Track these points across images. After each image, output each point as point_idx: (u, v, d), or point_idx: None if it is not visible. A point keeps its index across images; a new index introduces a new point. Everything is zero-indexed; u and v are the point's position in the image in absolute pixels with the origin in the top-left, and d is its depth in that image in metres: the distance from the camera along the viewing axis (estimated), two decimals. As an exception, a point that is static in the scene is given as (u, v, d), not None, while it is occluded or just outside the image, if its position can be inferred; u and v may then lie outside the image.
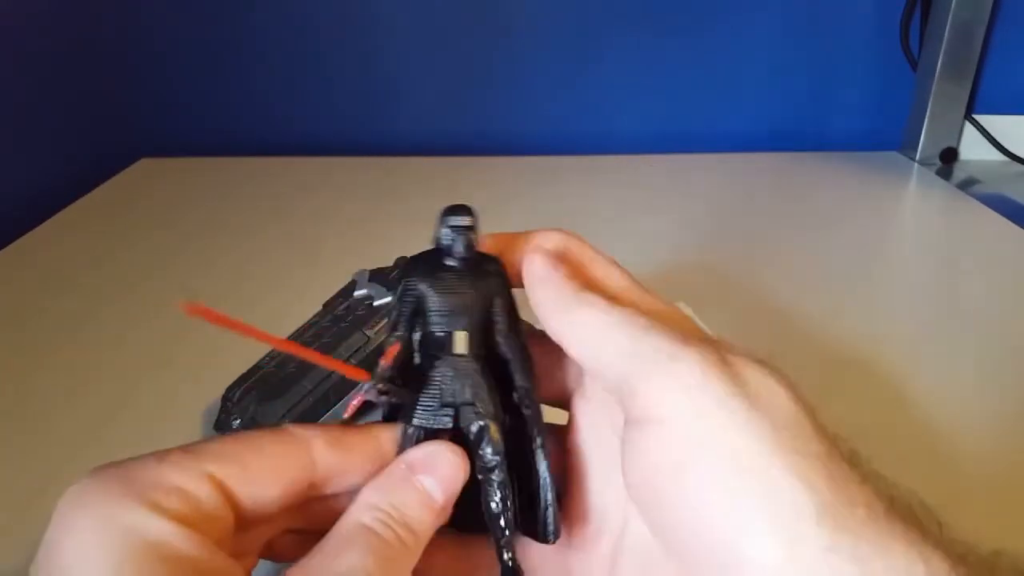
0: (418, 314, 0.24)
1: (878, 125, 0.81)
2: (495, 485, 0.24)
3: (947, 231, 0.65)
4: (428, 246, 0.25)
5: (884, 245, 0.62)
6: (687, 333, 0.21)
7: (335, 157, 0.77)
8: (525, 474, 0.25)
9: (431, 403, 0.24)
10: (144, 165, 0.75)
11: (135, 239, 0.60)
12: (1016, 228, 0.62)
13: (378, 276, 0.39)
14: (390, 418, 0.25)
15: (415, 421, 0.24)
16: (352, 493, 0.23)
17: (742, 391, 0.20)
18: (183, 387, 0.41)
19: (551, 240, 0.25)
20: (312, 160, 0.76)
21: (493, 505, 0.24)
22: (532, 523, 0.24)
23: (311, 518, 0.23)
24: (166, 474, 0.20)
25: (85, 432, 0.38)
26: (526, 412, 0.24)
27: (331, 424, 0.24)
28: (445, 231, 0.24)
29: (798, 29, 0.78)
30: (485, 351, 0.24)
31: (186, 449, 0.21)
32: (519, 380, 0.24)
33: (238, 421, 0.35)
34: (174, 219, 0.64)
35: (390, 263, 0.40)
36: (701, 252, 0.58)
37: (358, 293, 0.38)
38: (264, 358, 0.38)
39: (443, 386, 0.24)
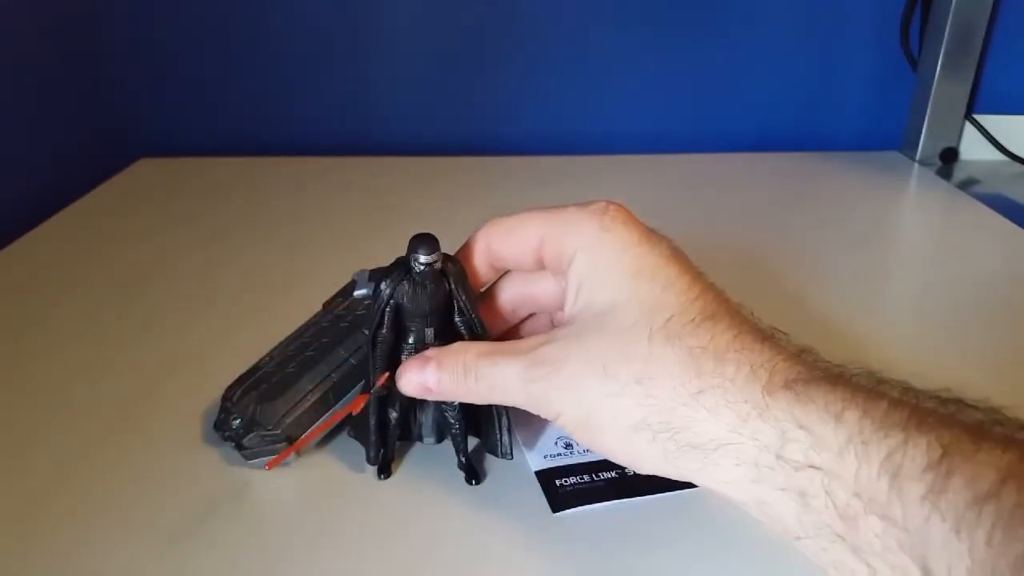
0: (397, 315, 0.33)
1: (878, 125, 0.81)
2: (456, 427, 0.35)
3: (947, 231, 0.65)
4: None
5: (884, 245, 0.62)
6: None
7: (335, 157, 0.77)
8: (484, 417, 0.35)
9: None
10: (144, 165, 0.75)
11: (135, 239, 0.60)
12: (1016, 228, 0.62)
13: (378, 276, 0.39)
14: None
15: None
16: None
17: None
18: (182, 387, 0.41)
19: (476, 245, 0.34)
20: (312, 160, 0.76)
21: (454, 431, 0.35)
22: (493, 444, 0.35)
23: None
24: None
25: (83, 432, 0.38)
26: None
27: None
28: (416, 265, 0.31)
29: (798, 29, 0.78)
30: (446, 333, 0.33)
31: None
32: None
33: (238, 421, 0.35)
34: (174, 219, 0.64)
35: (389, 263, 0.40)
36: (700, 252, 0.58)
37: (358, 293, 0.38)
38: (264, 358, 0.38)
39: None
